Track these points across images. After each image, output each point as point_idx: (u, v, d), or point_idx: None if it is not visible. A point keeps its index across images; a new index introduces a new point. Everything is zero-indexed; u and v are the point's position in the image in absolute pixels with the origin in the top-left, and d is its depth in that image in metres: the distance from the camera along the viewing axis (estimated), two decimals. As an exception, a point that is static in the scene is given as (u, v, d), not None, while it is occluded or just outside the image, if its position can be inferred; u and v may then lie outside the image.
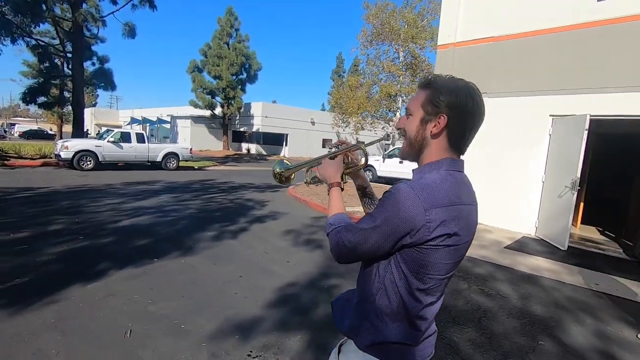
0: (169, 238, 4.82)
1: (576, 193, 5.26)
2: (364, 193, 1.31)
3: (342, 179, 1.18)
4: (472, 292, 3.67)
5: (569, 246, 5.40)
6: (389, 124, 24.77)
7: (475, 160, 6.80)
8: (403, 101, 24.04)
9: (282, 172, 1.27)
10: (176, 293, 3.21)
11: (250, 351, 2.43)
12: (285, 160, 1.30)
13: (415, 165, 1.01)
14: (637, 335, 2.99)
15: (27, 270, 3.44)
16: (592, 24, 5.58)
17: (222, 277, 3.64)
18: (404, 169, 13.19)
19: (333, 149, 1.25)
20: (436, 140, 0.93)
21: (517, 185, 6.42)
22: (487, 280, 4.03)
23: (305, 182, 1.35)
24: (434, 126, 0.91)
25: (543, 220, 6.08)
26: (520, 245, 5.54)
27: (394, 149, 14.60)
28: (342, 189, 1.15)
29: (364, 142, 1.28)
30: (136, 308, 2.89)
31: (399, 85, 23.22)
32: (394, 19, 21.95)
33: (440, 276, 0.89)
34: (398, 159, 13.59)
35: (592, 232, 6.94)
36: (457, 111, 0.89)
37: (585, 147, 5.21)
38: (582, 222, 7.29)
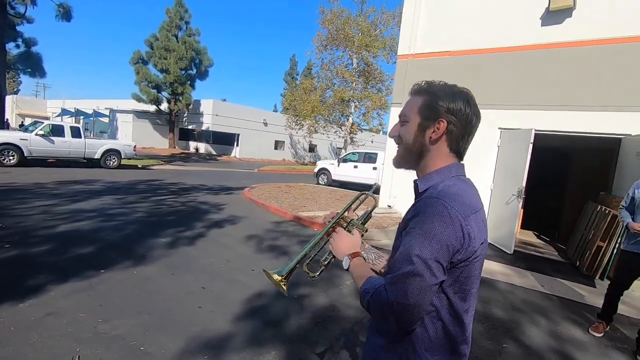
0: (116, 245, 4.35)
1: (522, 201, 5.70)
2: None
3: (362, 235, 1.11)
4: (437, 297, 3.77)
5: (514, 250, 5.83)
6: (341, 129, 25.22)
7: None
8: (356, 107, 24.66)
9: (286, 276, 1.04)
10: (131, 309, 2.87)
11: (223, 372, 2.23)
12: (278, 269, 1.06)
13: (410, 172, 0.98)
14: (588, 329, 3.27)
15: (-62, 288, 2.86)
16: (536, 46, 6.12)
17: (183, 289, 3.33)
18: (359, 173, 13.46)
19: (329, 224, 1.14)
20: (435, 146, 0.91)
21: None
22: (449, 284, 4.18)
23: (311, 277, 1.08)
24: (433, 132, 0.89)
25: (491, 226, 6.50)
26: (473, 250, 5.85)
27: (347, 154, 14.82)
28: (364, 257, 1.06)
29: (356, 218, 1.17)
30: (83, 329, 2.52)
31: (352, 91, 23.76)
32: (348, 26, 22.43)
33: (474, 289, 0.87)
34: (353, 164, 13.84)
35: (530, 236, 7.59)
36: (455, 116, 0.88)
37: (530, 159, 5.67)
38: (522, 227, 7.95)
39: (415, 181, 0.97)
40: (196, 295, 3.25)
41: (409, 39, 7.53)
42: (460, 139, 0.91)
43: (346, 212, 1.17)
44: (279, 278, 1.03)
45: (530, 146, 5.57)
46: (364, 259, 1.03)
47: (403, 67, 7.63)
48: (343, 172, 13.99)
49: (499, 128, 6.50)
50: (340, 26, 22.40)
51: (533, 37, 6.15)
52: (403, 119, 0.95)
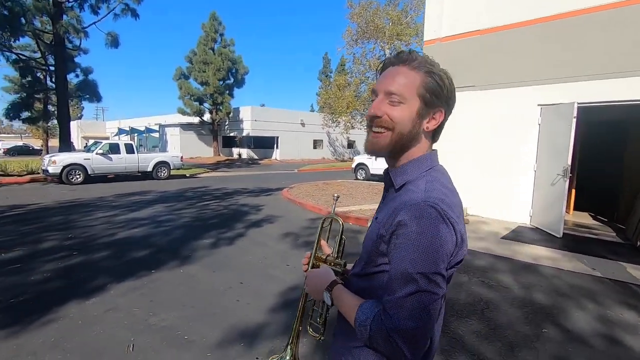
0: (165, 248, 4.76)
1: (568, 180, 5.33)
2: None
3: (338, 274, 0.95)
4: (473, 284, 3.68)
5: (564, 233, 5.47)
6: (378, 122, 24.85)
7: (468, 153, 6.87)
8: (391, 98, 24.17)
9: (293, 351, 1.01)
10: (177, 303, 3.17)
11: (257, 358, 2.40)
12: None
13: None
14: None
15: (23, 290, 3.36)
16: (574, 12, 5.66)
17: (223, 285, 3.59)
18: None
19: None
20: (426, 135, 0.83)
21: (509, 176, 6.49)
22: (487, 271, 4.06)
23: (319, 339, 1.03)
24: (428, 121, 0.81)
25: (537, 209, 6.15)
26: (517, 235, 5.59)
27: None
28: (343, 283, 0.90)
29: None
30: (137, 321, 2.84)
31: (386, 83, 23.34)
32: (378, 17, 22.06)
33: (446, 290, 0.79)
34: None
35: (584, 218, 7.04)
36: (449, 106, 0.82)
37: (575, 135, 5.28)
38: (575, 209, 7.39)
39: (386, 171, 0.87)
40: (235, 289, 3.49)
41: (435, 22, 7.30)
42: (442, 126, 0.84)
43: (319, 250, 1.07)
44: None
45: (574, 121, 5.19)
46: (343, 284, 0.89)
47: (430, 54, 7.42)
48: (380, 165, 13.85)
49: (539, 105, 6.11)
50: (370, 18, 22.10)
51: (568, 3, 5.70)
52: (396, 99, 0.78)
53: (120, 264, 4.12)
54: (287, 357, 0.98)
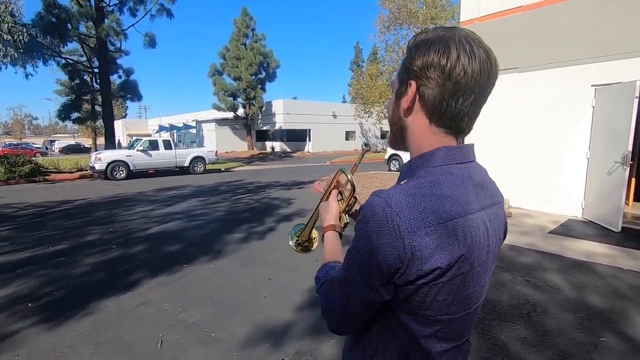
0: (197, 243, 4.83)
1: (628, 168, 4.77)
2: None
3: (340, 221, 0.94)
4: (517, 284, 3.38)
5: (622, 227, 4.93)
6: (413, 111, 24.09)
7: (511, 141, 6.39)
8: (426, 86, 23.31)
9: (298, 238, 1.08)
10: (206, 299, 3.17)
11: (283, 359, 2.32)
12: (296, 227, 1.12)
13: None
14: None
15: (65, 283, 3.52)
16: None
17: (251, 280, 3.57)
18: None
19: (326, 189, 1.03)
20: (412, 118, 0.67)
21: (558, 164, 5.95)
22: (534, 270, 3.72)
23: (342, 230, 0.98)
24: (405, 99, 0.66)
25: (590, 200, 5.59)
26: (567, 229, 5.11)
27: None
28: (341, 233, 0.90)
29: (346, 169, 0.97)
30: (167, 317, 2.87)
31: (421, 70, 22.49)
32: (411, 2, 21.20)
33: (452, 315, 0.64)
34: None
35: (647, 210, 6.33)
36: (427, 72, 0.62)
37: (637, 117, 4.70)
38: (635, 200, 6.67)
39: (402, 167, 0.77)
40: (262, 285, 3.44)
41: (472, 1, 6.79)
42: (440, 103, 0.62)
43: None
44: (294, 243, 1.09)
45: (636, 101, 4.61)
46: (340, 235, 0.90)
47: (468, 34, 6.93)
48: (415, 155, 13.39)
49: (593, 85, 5.51)
50: (402, 3, 21.28)
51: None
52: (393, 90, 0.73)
53: (154, 258, 4.23)
54: (295, 240, 1.09)
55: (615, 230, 4.90)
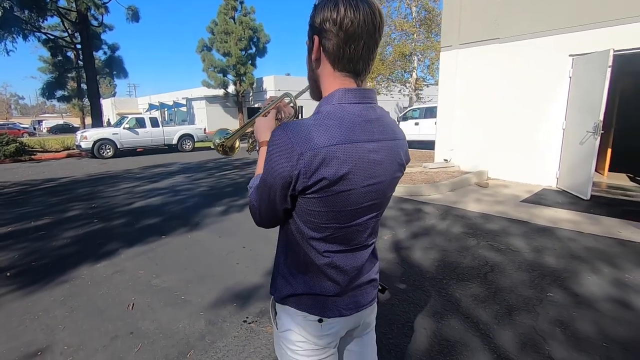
0: (177, 216, 4.92)
1: (599, 138, 4.87)
2: None
3: None
4: (480, 248, 3.53)
5: (592, 195, 5.08)
6: (405, 86, 23.87)
7: (491, 112, 6.43)
8: (419, 60, 22.98)
9: (224, 141, 1.14)
10: (180, 266, 3.29)
11: (247, 317, 2.46)
12: (225, 129, 1.19)
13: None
14: None
15: (44, 254, 3.62)
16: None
17: (226, 249, 3.68)
18: (421, 130, 12.79)
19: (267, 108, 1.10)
20: (321, 68, 0.80)
21: (535, 135, 6.03)
22: (499, 235, 3.87)
23: (247, 150, 1.21)
24: (313, 52, 0.79)
25: (564, 171, 5.72)
26: (539, 198, 5.26)
27: (407, 111, 14.08)
28: None
29: (291, 94, 1.10)
30: (140, 283, 2.98)
31: (413, 44, 22.09)
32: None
33: (339, 224, 0.78)
34: (413, 121, 13.17)
35: (621, 179, 6.49)
36: (325, 26, 0.74)
37: (609, 87, 4.75)
38: (610, 170, 6.83)
39: None
40: (236, 253, 3.56)
41: (456, -30, 6.66)
42: (338, 50, 0.75)
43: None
44: (219, 142, 1.14)
45: (609, 70, 4.65)
46: None
47: (450, 4, 6.82)
48: (404, 131, 13.40)
49: (570, 55, 5.52)
50: (393, -27, 20.63)
51: None
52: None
53: (133, 231, 4.32)
54: (221, 142, 1.13)
55: (585, 198, 5.05)
